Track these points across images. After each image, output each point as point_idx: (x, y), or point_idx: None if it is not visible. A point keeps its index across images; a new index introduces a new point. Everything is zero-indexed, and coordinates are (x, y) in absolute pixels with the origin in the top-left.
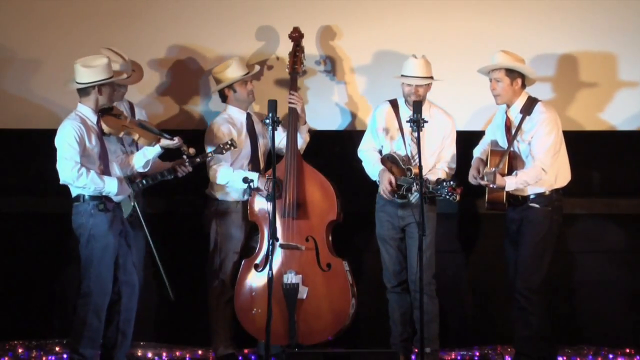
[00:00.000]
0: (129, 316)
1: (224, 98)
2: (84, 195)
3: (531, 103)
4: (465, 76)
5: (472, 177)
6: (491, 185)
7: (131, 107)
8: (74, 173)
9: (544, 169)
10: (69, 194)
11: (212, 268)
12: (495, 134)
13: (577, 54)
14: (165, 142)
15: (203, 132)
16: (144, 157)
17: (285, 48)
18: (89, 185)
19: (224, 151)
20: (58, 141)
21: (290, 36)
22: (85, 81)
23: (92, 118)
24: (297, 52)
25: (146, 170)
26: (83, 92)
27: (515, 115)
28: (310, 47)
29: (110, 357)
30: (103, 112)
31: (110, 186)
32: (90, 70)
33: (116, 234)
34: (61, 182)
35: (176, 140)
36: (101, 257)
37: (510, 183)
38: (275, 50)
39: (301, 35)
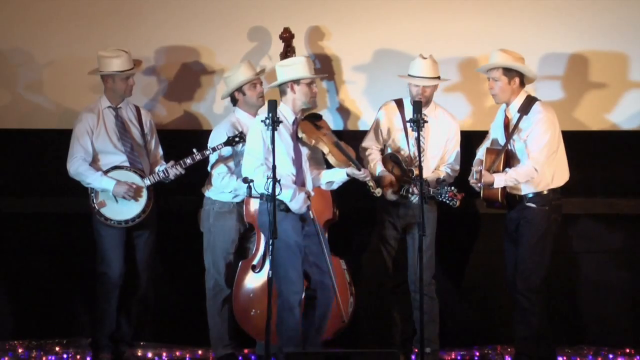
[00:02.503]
0: (325, 312)
1: (234, 102)
2: (265, 194)
3: (529, 102)
4: (468, 76)
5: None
6: (479, 185)
7: (137, 110)
8: (254, 170)
9: (536, 168)
10: (69, 194)
11: (206, 268)
12: (496, 133)
13: (585, 53)
14: (352, 170)
15: (201, 133)
16: (333, 176)
17: (276, 49)
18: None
19: (233, 143)
20: (248, 135)
21: (281, 37)
22: (280, 80)
23: (290, 117)
24: (288, 52)
25: (329, 189)
26: (281, 91)
27: (513, 114)
28: (301, 48)
29: None
30: (306, 118)
31: (285, 194)
32: (282, 70)
33: (299, 233)
34: (243, 176)
35: (362, 172)
36: (285, 256)
37: (499, 180)
38: (266, 51)
39: (292, 36)
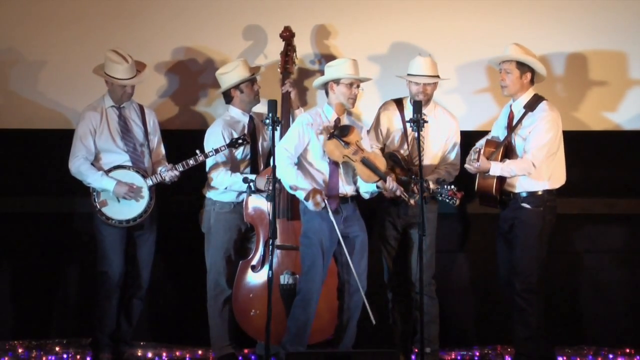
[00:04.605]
0: (351, 315)
1: (228, 99)
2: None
3: (536, 100)
4: (469, 76)
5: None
6: (475, 165)
7: (141, 109)
8: (280, 160)
9: (534, 163)
10: (69, 194)
11: (207, 268)
12: (498, 131)
13: (586, 52)
14: (380, 183)
15: (202, 132)
16: (367, 187)
17: (275, 47)
18: (282, 177)
19: (236, 145)
20: (290, 128)
21: (281, 35)
22: (322, 80)
23: (332, 117)
24: (288, 51)
25: (367, 198)
26: (326, 92)
27: (518, 109)
28: (305, 47)
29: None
30: (333, 135)
31: (299, 193)
32: (327, 70)
33: (325, 232)
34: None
35: (387, 184)
36: (310, 254)
37: (496, 168)
38: (267, 50)
39: (292, 34)
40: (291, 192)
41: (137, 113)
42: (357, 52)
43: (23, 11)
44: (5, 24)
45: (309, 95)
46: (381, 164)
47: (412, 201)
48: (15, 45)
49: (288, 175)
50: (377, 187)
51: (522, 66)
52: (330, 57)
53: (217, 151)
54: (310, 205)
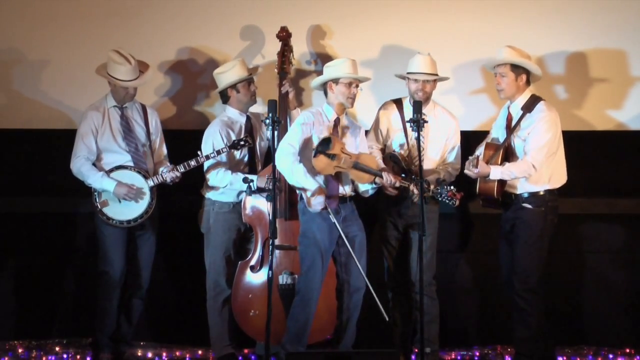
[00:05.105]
0: (351, 314)
1: (225, 99)
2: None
3: (533, 101)
4: (469, 76)
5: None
6: (475, 171)
7: (144, 109)
8: (283, 156)
9: (534, 165)
10: (69, 194)
11: (207, 268)
12: (497, 132)
13: (587, 52)
14: (377, 180)
15: (202, 133)
16: (365, 187)
17: (274, 48)
18: (289, 174)
19: (238, 147)
20: (291, 125)
21: (278, 36)
22: (321, 80)
23: (331, 116)
24: (285, 51)
25: (367, 196)
26: (324, 92)
27: (516, 111)
28: (302, 47)
29: None
30: (318, 151)
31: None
32: (326, 70)
33: (325, 233)
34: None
35: (385, 180)
36: (309, 254)
37: (496, 172)
38: (264, 50)
39: (289, 35)
40: (294, 186)
41: (139, 113)
42: (353, 53)
43: (24, 11)
44: (6, 23)
45: (305, 95)
46: (372, 162)
47: (411, 187)
48: (17, 45)
49: (295, 173)
50: (376, 183)
51: (517, 68)
52: (327, 58)
53: (218, 152)
54: (311, 203)
